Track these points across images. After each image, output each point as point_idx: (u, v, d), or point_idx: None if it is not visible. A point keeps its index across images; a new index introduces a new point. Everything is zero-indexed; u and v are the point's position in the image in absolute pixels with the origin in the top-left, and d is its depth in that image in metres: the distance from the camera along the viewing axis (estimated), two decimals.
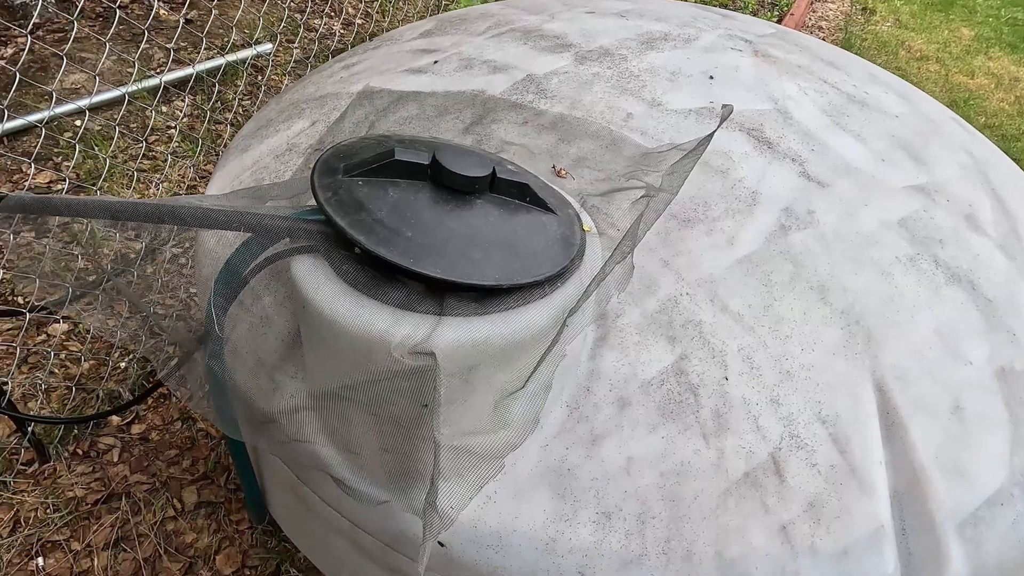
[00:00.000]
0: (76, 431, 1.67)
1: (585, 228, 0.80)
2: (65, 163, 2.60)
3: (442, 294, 0.67)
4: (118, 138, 2.67)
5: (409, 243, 0.66)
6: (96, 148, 2.55)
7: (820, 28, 4.53)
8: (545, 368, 0.65)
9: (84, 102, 2.71)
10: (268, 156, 1.23)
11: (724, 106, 0.85)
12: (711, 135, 0.86)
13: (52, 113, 2.64)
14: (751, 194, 0.97)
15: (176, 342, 0.92)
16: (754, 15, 3.83)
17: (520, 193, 0.76)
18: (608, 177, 0.97)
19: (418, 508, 0.71)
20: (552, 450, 0.80)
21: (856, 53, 3.99)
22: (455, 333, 0.65)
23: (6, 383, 1.60)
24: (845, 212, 0.97)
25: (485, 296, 0.67)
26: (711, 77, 1.14)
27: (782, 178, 0.99)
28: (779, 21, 4.00)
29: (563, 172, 0.94)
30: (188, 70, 2.90)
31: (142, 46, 3.13)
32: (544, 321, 0.69)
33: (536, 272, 0.69)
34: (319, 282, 0.70)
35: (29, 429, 1.56)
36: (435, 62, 1.25)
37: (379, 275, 0.69)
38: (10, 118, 2.61)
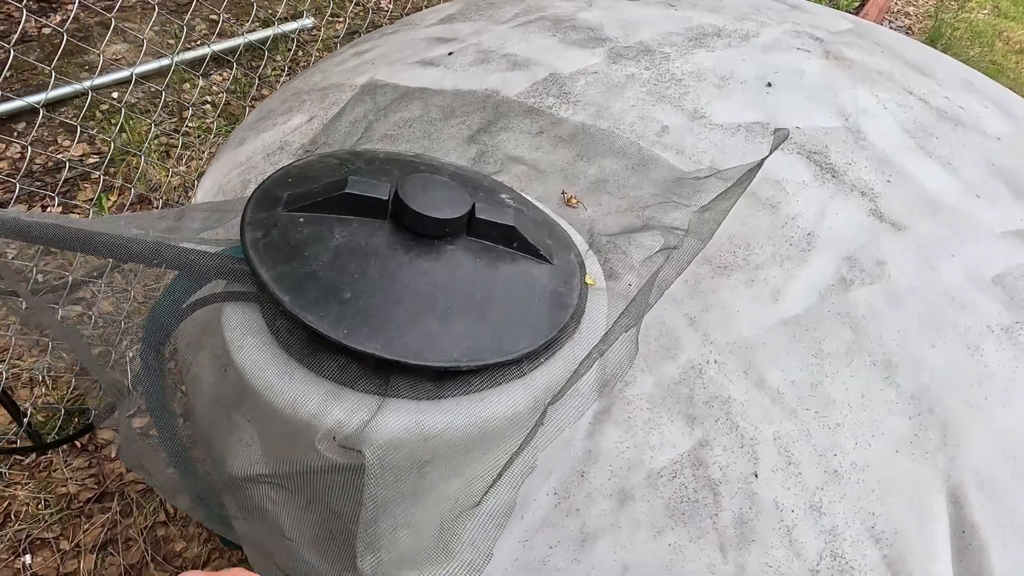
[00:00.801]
0: (76, 420, 1.62)
1: (589, 282, 0.65)
2: (100, 136, 2.56)
3: (387, 371, 0.53)
4: (152, 112, 2.62)
5: (346, 306, 0.52)
6: (131, 121, 2.50)
7: (907, 14, 4.14)
8: (507, 482, 0.50)
9: (124, 73, 2.66)
10: (260, 154, 1.11)
11: (778, 130, 0.68)
12: (759, 164, 0.68)
13: (92, 84, 2.60)
14: (806, 236, 0.79)
15: (107, 386, 0.81)
16: (834, 4, 3.50)
17: (505, 237, 0.60)
18: (631, 207, 0.81)
19: None
20: (533, 546, 0.66)
21: (946, 44, 3.62)
22: (397, 422, 0.51)
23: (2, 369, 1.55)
24: (925, 264, 0.78)
25: (440, 376, 0.53)
26: (769, 84, 0.95)
27: (847, 216, 0.81)
28: (861, 6, 3.66)
29: (573, 200, 0.78)
30: (227, 43, 2.82)
31: (186, 18, 3.06)
32: (518, 411, 0.54)
33: (511, 348, 0.54)
34: (245, 340, 0.57)
35: (26, 419, 1.51)
36: (450, 53, 1.10)
37: (315, 339, 0.55)
38: (52, 87, 2.58)
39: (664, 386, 0.70)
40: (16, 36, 2.68)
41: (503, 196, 0.68)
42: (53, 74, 2.20)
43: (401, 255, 0.56)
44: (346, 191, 0.57)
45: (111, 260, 0.60)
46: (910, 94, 1.00)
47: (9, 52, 1.99)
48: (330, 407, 0.52)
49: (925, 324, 0.74)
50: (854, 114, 0.93)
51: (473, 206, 0.59)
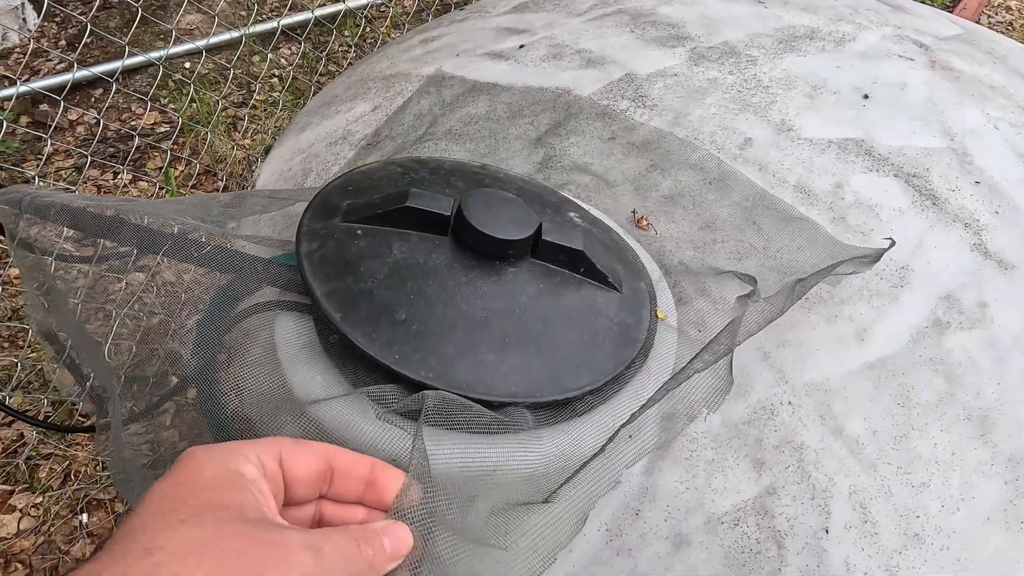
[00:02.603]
0: (135, 387, 1.67)
1: (660, 316, 0.60)
2: (171, 105, 2.61)
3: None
4: (222, 83, 2.65)
5: (399, 329, 0.49)
6: (200, 92, 2.54)
7: (1008, 8, 3.85)
8: (581, 488, 0.47)
9: (200, 43, 2.70)
10: (322, 142, 1.09)
11: (888, 242, 0.62)
12: (865, 262, 0.62)
13: (166, 53, 2.65)
14: (899, 270, 0.72)
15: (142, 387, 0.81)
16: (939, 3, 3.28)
17: (572, 262, 0.56)
18: (707, 226, 0.75)
19: None
20: None
21: None
22: (448, 455, 0.48)
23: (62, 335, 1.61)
24: None
25: (496, 408, 0.50)
26: (866, 96, 0.88)
27: (947, 250, 0.74)
28: (957, 0, 3.42)
29: (644, 222, 0.73)
30: (297, 17, 2.83)
31: None
32: (571, 450, 0.51)
33: (571, 384, 0.50)
34: (295, 352, 0.55)
35: (88, 384, 1.57)
36: (520, 46, 1.05)
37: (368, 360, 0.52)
38: (129, 56, 2.64)
39: (731, 425, 0.65)
40: (96, 4, 2.74)
41: (571, 215, 0.64)
42: (126, 48, 2.25)
43: (460, 276, 0.53)
44: (407, 204, 0.53)
45: (163, 256, 0.59)
46: None
47: (88, 21, 2.04)
48: (378, 433, 0.50)
49: None
50: (961, 134, 0.84)
51: (540, 227, 0.55)
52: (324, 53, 2.86)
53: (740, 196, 0.77)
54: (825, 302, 0.70)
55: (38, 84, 2.44)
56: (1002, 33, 1.76)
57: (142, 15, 2.33)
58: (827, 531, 0.62)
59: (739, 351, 0.68)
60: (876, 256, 0.63)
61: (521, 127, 0.90)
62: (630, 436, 0.53)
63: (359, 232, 0.54)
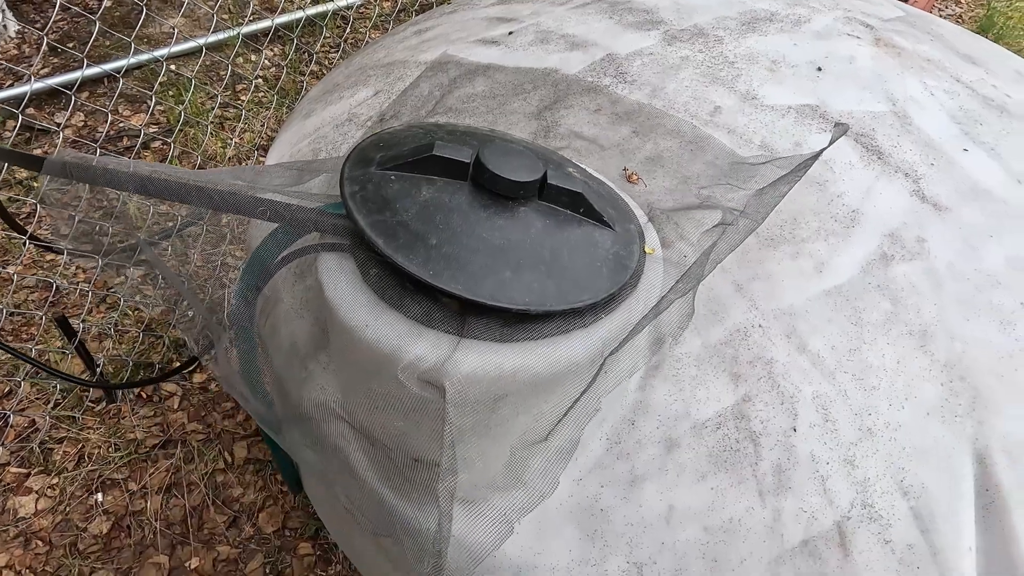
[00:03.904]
0: (142, 374, 1.73)
1: (648, 250, 0.71)
2: (158, 107, 2.66)
3: (464, 314, 0.60)
4: (206, 85, 2.71)
5: (431, 252, 0.59)
6: (185, 93, 2.60)
7: (958, 2, 4.06)
8: (573, 420, 0.57)
9: (184, 46, 2.76)
10: (329, 125, 1.18)
11: (838, 124, 0.72)
12: (817, 155, 0.73)
13: (154, 55, 2.70)
14: (850, 213, 0.83)
15: (205, 324, 0.89)
16: None
17: (573, 203, 0.66)
18: (684, 181, 0.86)
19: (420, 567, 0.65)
20: (586, 486, 0.73)
21: (998, 33, 3.55)
22: (473, 360, 0.58)
23: (79, 323, 1.67)
24: (965, 244, 0.82)
25: (513, 321, 0.59)
26: (819, 69, 0.99)
27: (891, 197, 0.85)
28: None
29: (634, 177, 0.83)
30: (280, 18, 2.89)
31: None
32: (579, 357, 0.61)
33: (575, 298, 0.60)
34: (339, 284, 0.64)
35: (98, 369, 1.63)
36: (510, 33, 1.16)
37: (402, 284, 0.62)
38: (111, 59, 2.69)
39: (711, 347, 0.76)
40: (78, 8, 2.78)
41: (570, 170, 0.74)
42: (132, 49, 2.30)
43: (480, 212, 0.62)
44: (433, 153, 0.63)
45: (221, 211, 0.67)
46: (958, 82, 1.03)
47: (72, 23, 2.09)
48: (413, 343, 0.59)
49: (961, 299, 0.78)
50: (902, 100, 0.96)
51: (545, 172, 0.65)
52: (307, 52, 2.93)
53: (712, 156, 0.88)
54: (788, 241, 0.81)
55: (20, 90, 2.48)
56: None
57: (124, 18, 2.39)
58: (795, 430, 0.72)
59: (716, 284, 0.79)
60: (818, 153, 0.72)
61: (518, 103, 1.00)
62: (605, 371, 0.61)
63: (392, 178, 0.64)
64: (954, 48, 1.13)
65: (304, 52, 2.96)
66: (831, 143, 0.69)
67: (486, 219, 0.62)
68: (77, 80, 2.55)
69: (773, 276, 0.79)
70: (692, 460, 0.72)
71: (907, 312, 0.77)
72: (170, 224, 1.80)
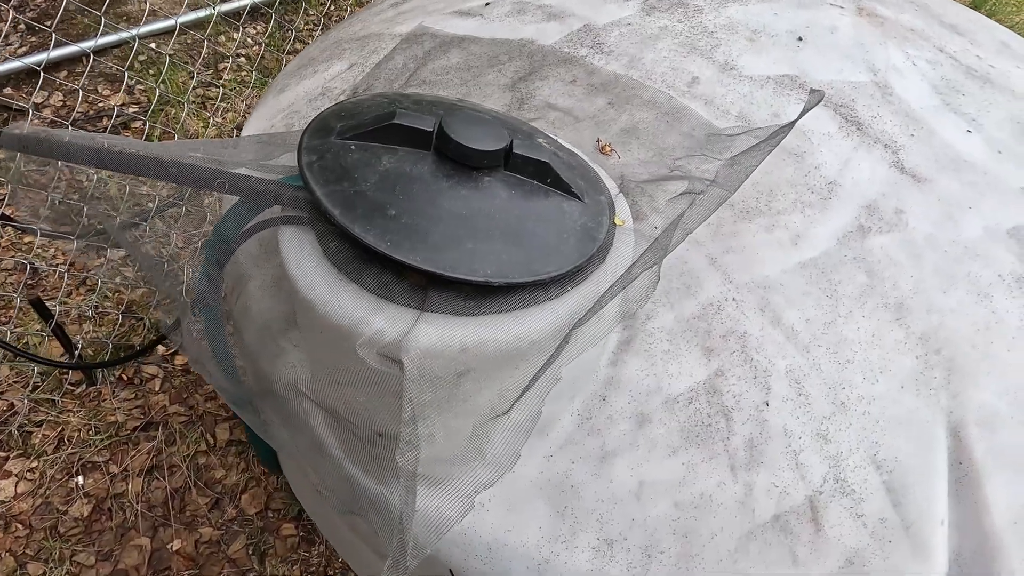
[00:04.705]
0: (123, 355, 1.71)
1: (618, 222, 0.69)
2: (138, 86, 2.62)
3: (425, 287, 0.58)
4: (187, 64, 2.67)
5: (390, 222, 0.57)
6: (169, 72, 2.56)
7: None
8: (535, 393, 0.55)
9: (164, 23, 2.70)
10: (302, 99, 1.15)
11: (813, 91, 0.70)
12: (791, 124, 0.71)
13: (134, 33, 2.65)
14: (828, 185, 0.82)
15: (171, 302, 0.87)
16: None
17: (539, 173, 0.65)
18: (660, 153, 0.84)
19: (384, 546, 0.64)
20: (556, 462, 0.72)
21: (991, 9, 3.51)
22: (432, 334, 0.56)
23: (55, 305, 1.64)
24: (943, 215, 0.81)
25: (475, 294, 0.58)
26: (800, 38, 0.97)
27: (869, 168, 0.83)
28: None
29: (608, 148, 0.81)
30: None
31: None
32: (544, 331, 0.59)
33: (539, 270, 0.59)
34: (299, 257, 0.62)
35: (76, 352, 1.61)
36: (487, 4, 1.13)
37: (362, 257, 0.60)
38: (90, 37, 2.64)
39: (684, 320, 0.75)
40: None
41: (540, 140, 0.72)
42: (102, 27, 2.25)
43: (442, 182, 0.61)
44: (394, 122, 0.61)
45: (178, 184, 0.65)
46: (941, 52, 1.01)
47: (50, 2, 2.04)
48: (373, 317, 0.57)
49: (938, 271, 0.77)
50: (883, 70, 0.95)
51: (511, 142, 0.63)
52: (292, 31, 2.88)
53: (689, 127, 0.86)
54: (764, 214, 0.80)
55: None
56: None
57: None
58: (767, 404, 0.71)
59: (690, 258, 0.78)
60: (792, 123, 0.70)
61: (493, 75, 0.98)
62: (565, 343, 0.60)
63: (352, 147, 0.62)
64: (938, 18, 1.10)
65: (288, 30, 2.91)
66: (805, 111, 0.68)
67: (448, 189, 0.61)
68: (43, 60, 2.49)
69: (748, 249, 0.78)
70: (664, 435, 0.71)
71: (883, 284, 0.76)
72: (151, 205, 1.78)
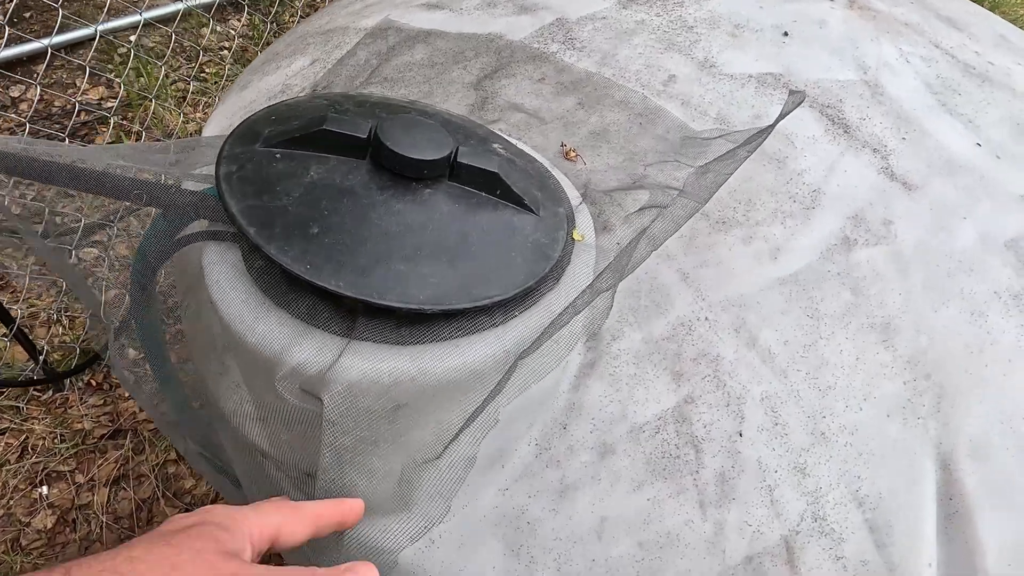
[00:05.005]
0: (88, 359, 1.66)
1: (577, 237, 0.63)
2: (117, 79, 2.56)
3: (355, 313, 0.53)
4: (170, 57, 2.60)
5: (312, 242, 0.51)
6: (148, 66, 2.49)
7: None
8: (469, 436, 0.50)
9: (146, 15, 2.64)
10: (262, 97, 1.09)
11: (793, 92, 0.64)
12: (769, 129, 0.65)
13: (107, 27, 2.59)
14: (812, 193, 0.76)
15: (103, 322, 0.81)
16: None
17: (488, 184, 0.59)
18: (631, 158, 0.78)
19: None
20: (512, 496, 0.66)
21: (994, 1, 3.43)
22: (359, 366, 0.50)
23: (15, 309, 1.59)
24: (936, 225, 0.75)
25: (410, 320, 0.52)
26: (786, 33, 0.91)
27: (857, 174, 0.77)
28: None
29: (572, 153, 0.75)
30: None
31: None
32: (486, 361, 0.54)
33: (481, 294, 0.53)
34: (220, 277, 0.56)
35: (42, 357, 1.55)
36: None
37: (288, 278, 0.54)
38: (69, 29, 2.58)
39: (652, 342, 0.69)
40: None
41: (495, 145, 0.66)
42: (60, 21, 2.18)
43: (376, 195, 0.55)
44: (324, 128, 0.55)
45: (91, 193, 0.59)
46: (937, 47, 0.95)
47: None
48: (296, 347, 0.52)
49: (929, 287, 0.71)
50: (874, 67, 0.88)
51: (456, 150, 0.58)
52: (277, 23, 2.81)
53: (663, 129, 0.80)
54: (741, 225, 0.74)
55: None
56: None
57: None
58: (741, 434, 0.66)
59: (660, 273, 0.72)
60: (769, 128, 0.65)
61: (457, 72, 0.91)
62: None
63: (278, 156, 0.56)
64: (935, 10, 1.04)
65: (273, 23, 2.84)
66: (784, 114, 0.61)
67: (382, 203, 0.55)
68: (29, 52, 2.43)
69: (723, 263, 0.72)
70: (628, 468, 0.65)
71: (869, 303, 0.70)
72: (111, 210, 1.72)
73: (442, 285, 0.52)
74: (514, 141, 0.73)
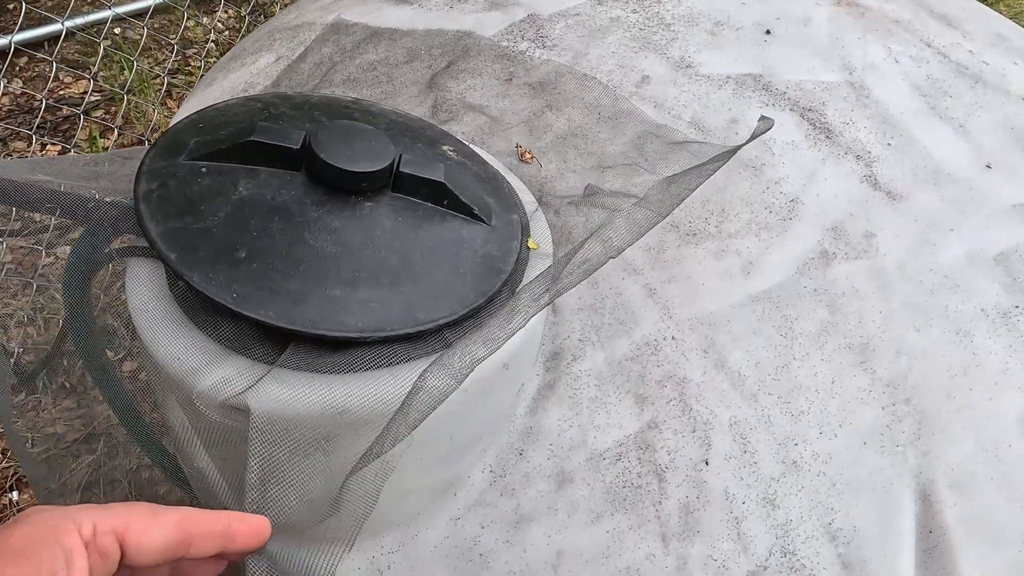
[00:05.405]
0: (66, 363, 1.63)
1: (531, 245, 0.59)
2: (101, 73, 2.51)
3: (286, 339, 0.49)
4: (155, 49, 2.56)
5: (239, 268, 0.47)
6: (133, 59, 2.45)
7: None
8: (364, 479, 0.45)
9: (130, 8, 2.59)
10: (226, 95, 1.05)
11: (763, 118, 0.60)
12: (736, 149, 0.61)
13: (89, 19, 2.54)
14: (789, 203, 0.72)
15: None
16: None
17: (434, 194, 0.55)
18: (599, 164, 0.74)
19: None
20: (464, 525, 0.62)
21: None
22: (284, 395, 0.47)
23: None
24: (919, 239, 0.71)
25: (345, 346, 0.48)
26: (768, 32, 0.86)
27: (838, 183, 0.73)
28: None
29: (528, 156, 0.71)
30: None
31: None
32: (431, 389, 0.49)
33: (426, 318, 0.49)
34: (142, 296, 0.52)
35: (13, 360, 1.52)
36: None
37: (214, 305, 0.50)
38: (51, 22, 2.53)
39: (615, 363, 0.65)
40: None
41: (445, 148, 0.62)
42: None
43: (310, 212, 0.51)
44: (252, 138, 0.51)
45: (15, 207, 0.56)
46: (928, 47, 0.90)
47: None
48: (215, 367, 0.48)
49: (911, 306, 0.67)
50: (860, 68, 0.84)
51: (398, 158, 0.53)
52: (264, 16, 2.76)
53: (634, 133, 0.76)
54: (713, 237, 0.70)
55: None
56: None
57: None
58: (707, 463, 0.62)
59: (625, 288, 0.68)
60: (735, 149, 0.61)
61: (419, 71, 0.87)
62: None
63: (203, 170, 0.52)
64: (928, 7, 0.99)
65: (260, 15, 2.79)
66: (751, 139, 0.57)
67: (317, 220, 0.51)
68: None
69: (692, 278, 0.68)
70: (586, 497, 0.62)
71: (847, 322, 0.66)
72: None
73: (382, 309, 0.48)
74: (467, 143, 0.69)
